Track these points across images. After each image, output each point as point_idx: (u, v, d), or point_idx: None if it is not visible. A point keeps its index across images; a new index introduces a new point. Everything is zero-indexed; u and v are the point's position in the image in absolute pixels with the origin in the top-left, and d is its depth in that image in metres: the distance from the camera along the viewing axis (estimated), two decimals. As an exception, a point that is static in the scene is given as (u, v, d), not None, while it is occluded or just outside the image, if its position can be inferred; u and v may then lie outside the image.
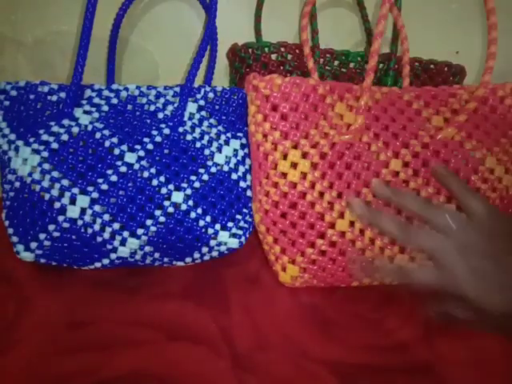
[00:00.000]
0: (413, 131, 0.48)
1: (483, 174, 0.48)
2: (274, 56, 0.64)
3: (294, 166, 0.47)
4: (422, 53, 0.67)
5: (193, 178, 0.49)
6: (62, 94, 0.49)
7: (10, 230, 0.46)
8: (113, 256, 0.48)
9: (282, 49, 0.64)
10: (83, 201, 0.46)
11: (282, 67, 0.64)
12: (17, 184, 0.46)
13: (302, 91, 0.47)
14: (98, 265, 0.49)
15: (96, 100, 0.50)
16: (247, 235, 0.52)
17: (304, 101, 0.47)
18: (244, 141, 0.53)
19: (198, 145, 0.50)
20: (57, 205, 0.45)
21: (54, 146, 0.46)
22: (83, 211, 0.46)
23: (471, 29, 0.73)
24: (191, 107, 0.52)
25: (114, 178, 0.46)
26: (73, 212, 0.45)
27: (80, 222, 0.46)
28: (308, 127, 0.47)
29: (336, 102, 0.48)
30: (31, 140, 0.46)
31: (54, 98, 0.48)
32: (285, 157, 0.47)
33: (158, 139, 0.49)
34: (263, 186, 0.49)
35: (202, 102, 0.53)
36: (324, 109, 0.48)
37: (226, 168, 0.51)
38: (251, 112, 0.49)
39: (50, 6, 0.64)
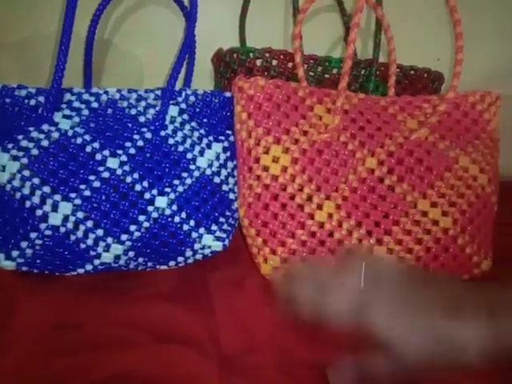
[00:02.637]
0: (388, 132, 0.52)
1: (457, 171, 0.51)
2: (258, 62, 0.64)
3: (276, 160, 0.50)
4: (403, 59, 0.67)
5: (176, 182, 0.49)
6: (41, 98, 0.47)
7: (-10, 239, 0.45)
8: (96, 262, 0.47)
9: (267, 54, 0.64)
10: (65, 207, 0.45)
11: (266, 73, 0.64)
12: (-5, 191, 0.45)
13: (283, 93, 0.51)
14: (80, 271, 0.48)
15: (76, 104, 0.49)
16: (230, 237, 0.53)
17: (285, 101, 0.51)
18: (226, 144, 0.54)
19: (181, 148, 0.50)
20: (38, 212, 0.44)
21: (34, 152, 0.45)
22: (66, 218, 0.45)
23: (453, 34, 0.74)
24: (172, 110, 0.52)
25: (96, 184, 0.46)
26: (55, 219, 0.45)
27: (63, 229, 0.45)
28: (289, 125, 0.50)
29: (315, 104, 0.52)
30: (9, 146, 0.45)
31: (33, 102, 0.47)
32: (267, 151, 0.50)
33: (140, 143, 0.49)
34: (246, 179, 0.51)
35: (183, 105, 0.52)
36: (304, 110, 0.51)
37: (208, 171, 0.51)
38: (237, 111, 0.52)
39: (36, 6, 0.63)
